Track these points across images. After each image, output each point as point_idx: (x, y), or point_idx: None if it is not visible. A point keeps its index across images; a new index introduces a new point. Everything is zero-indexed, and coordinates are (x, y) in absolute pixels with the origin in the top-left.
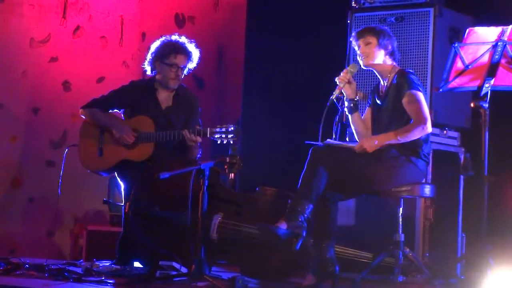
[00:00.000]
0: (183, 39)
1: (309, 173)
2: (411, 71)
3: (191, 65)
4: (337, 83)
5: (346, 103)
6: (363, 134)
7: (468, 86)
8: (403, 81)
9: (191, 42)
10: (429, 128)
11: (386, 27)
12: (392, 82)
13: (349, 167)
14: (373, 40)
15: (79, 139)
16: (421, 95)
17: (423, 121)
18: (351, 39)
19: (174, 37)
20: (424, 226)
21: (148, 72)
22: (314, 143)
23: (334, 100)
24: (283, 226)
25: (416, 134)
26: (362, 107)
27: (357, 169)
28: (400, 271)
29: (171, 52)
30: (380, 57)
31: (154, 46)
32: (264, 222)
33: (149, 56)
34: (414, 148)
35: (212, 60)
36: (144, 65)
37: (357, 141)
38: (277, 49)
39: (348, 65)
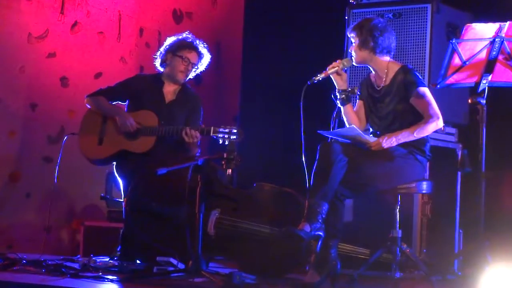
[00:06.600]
0: (198, 41)
1: (322, 171)
2: (411, 66)
3: (201, 67)
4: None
5: (338, 95)
6: (356, 126)
7: (465, 82)
8: (410, 79)
9: (205, 47)
10: (441, 123)
11: (377, 21)
12: (393, 78)
13: (359, 165)
14: (355, 39)
15: (80, 127)
16: (429, 92)
17: (436, 117)
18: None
19: (191, 36)
20: (422, 222)
21: (157, 65)
22: (327, 134)
23: (315, 81)
24: (306, 228)
25: (430, 130)
26: (354, 100)
27: (367, 167)
28: (397, 267)
29: (186, 47)
30: (366, 55)
31: (170, 40)
32: (268, 221)
33: (162, 49)
34: (420, 146)
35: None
36: (156, 56)
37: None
38: (275, 45)
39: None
